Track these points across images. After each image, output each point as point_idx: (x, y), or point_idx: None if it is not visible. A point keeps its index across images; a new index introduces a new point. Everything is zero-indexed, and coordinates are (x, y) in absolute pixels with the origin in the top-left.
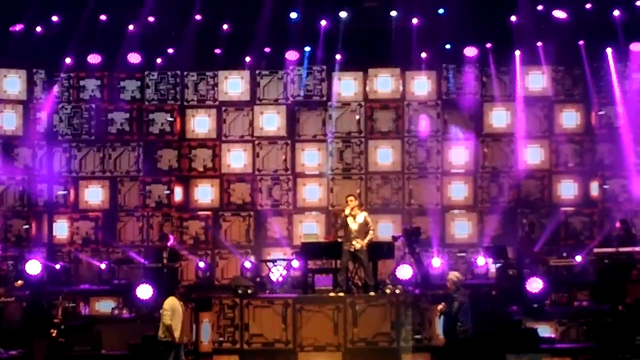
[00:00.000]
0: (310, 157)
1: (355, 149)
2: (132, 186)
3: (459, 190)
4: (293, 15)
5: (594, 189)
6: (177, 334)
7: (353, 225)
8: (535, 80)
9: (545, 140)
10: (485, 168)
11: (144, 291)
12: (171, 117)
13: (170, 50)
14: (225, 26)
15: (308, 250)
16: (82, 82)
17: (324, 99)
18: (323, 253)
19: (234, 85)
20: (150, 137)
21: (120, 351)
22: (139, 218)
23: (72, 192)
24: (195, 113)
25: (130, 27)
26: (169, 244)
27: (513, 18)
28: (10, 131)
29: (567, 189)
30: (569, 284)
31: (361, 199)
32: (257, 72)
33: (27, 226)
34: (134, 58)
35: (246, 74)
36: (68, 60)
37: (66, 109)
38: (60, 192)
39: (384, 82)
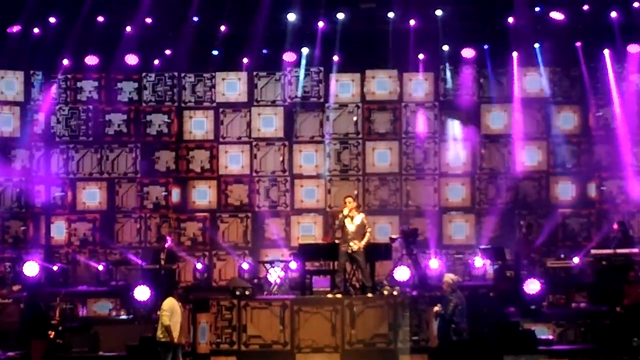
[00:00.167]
0: (308, 159)
1: (352, 151)
2: (130, 187)
3: (456, 192)
4: (290, 16)
5: (592, 190)
6: (175, 334)
7: (351, 226)
8: (533, 82)
9: (543, 141)
10: (482, 169)
11: (142, 292)
12: (168, 118)
13: (167, 52)
14: (222, 27)
15: (306, 252)
16: (79, 84)
17: (322, 100)
18: (321, 254)
19: (231, 86)
20: (148, 138)
21: (118, 352)
22: (136, 219)
23: (69, 193)
24: (192, 114)
25: (128, 28)
26: (166, 245)
27: (510, 19)
28: (8, 133)
29: (564, 191)
30: (566, 285)
31: (359, 200)
32: (255, 73)
33: (24, 227)
34: (132, 59)
35: (244, 75)
36: (65, 61)
37: (63, 110)
38: (58, 194)
39: (382, 84)
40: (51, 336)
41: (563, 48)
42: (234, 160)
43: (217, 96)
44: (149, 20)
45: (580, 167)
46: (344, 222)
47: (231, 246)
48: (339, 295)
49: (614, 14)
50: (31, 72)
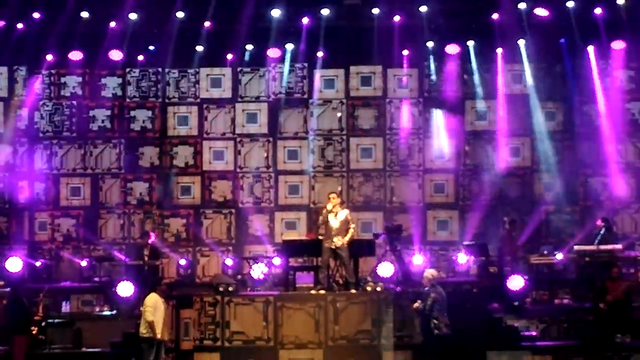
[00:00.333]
0: (292, 155)
1: (336, 147)
2: (114, 183)
3: (440, 188)
4: (275, 12)
5: (575, 187)
6: (158, 330)
7: (334, 222)
8: (517, 78)
9: (527, 137)
10: (466, 166)
11: (125, 288)
12: (152, 114)
13: (151, 47)
14: (206, 23)
15: (289, 248)
16: (63, 79)
17: (306, 96)
18: (304, 250)
19: (215, 82)
20: (132, 134)
21: (101, 348)
22: (120, 215)
23: (53, 189)
24: (176, 110)
25: (112, 24)
26: (150, 241)
27: (495, 16)
28: None
29: (548, 187)
30: (550, 281)
31: (343, 196)
32: (239, 69)
33: (7, 223)
34: (116, 55)
35: (228, 71)
36: (49, 57)
37: (47, 106)
38: (41, 190)
39: (366, 80)
40: (34, 332)
41: (547, 44)
42: (218, 156)
43: (201, 92)
44: (133, 15)
45: (564, 164)
46: (327, 218)
47: (215, 242)
48: (322, 292)
49: (598, 11)
50: (14, 67)
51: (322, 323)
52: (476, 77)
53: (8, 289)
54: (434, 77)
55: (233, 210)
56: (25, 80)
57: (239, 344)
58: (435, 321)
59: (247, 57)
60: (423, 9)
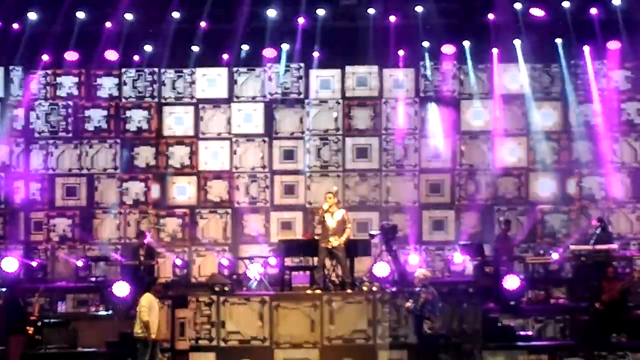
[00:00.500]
0: (288, 155)
1: (332, 147)
2: (109, 183)
3: (436, 188)
4: (271, 12)
5: (571, 186)
6: (153, 330)
7: (331, 222)
8: (513, 78)
9: (523, 137)
10: (462, 166)
11: (121, 288)
12: (148, 114)
13: (147, 48)
14: (202, 23)
15: (285, 248)
16: (59, 79)
17: (302, 96)
18: (300, 250)
19: (211, 82)
20: (128, 134)
21: (97, 348)
22: (115, 215)
23: (48, 189)
24: (172, 110)
25: (108, 24)
26: (145, 241)
27: (491, 16)
28: None
29: (544, 187)
30: (545, 281)
31: (338, 196)
32: (235, 69)
33: (3, 223)
34: (112, 55)
35: (224, 71)
36: (45, 57)
37: (43, 106)
38: (37, 190)
39: (362, 80)
40: (30, 332)
41: (543, 44)
42: (213, 157)
43: (197, 92)
44: (129, 16)
45: (560, 164)
46: (324, 217)
47: (211, 242)
48: (318, 291)
49: (594, 11)
50: (10, 67)
51: (317, 323)
52: (472, 77)
53: (4, 289)
54: (430, 77)
55: (229, 210)
56: (21, 80)
57: (234, 344)
58: (427, 321)
59: (243, 56)
60: (419, 9)
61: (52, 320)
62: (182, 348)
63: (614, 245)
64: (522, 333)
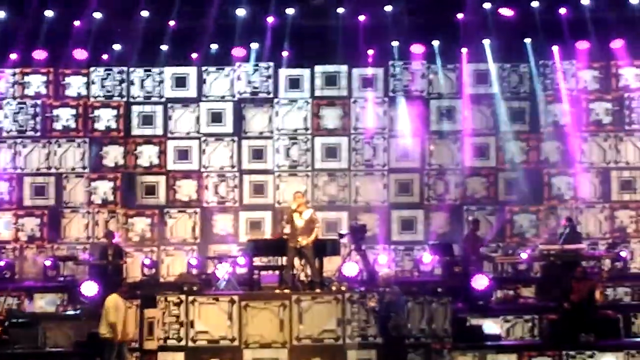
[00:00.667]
0: (257, 154)
1: (301, 146)
2: (78, 183)
3: (405, 188)
4: (240, 11)
5: (540, 186)
6: (118, 331)
7: (299, 221)
8: (482, 78)
9: (492, 137)
10: (431, 165)
11: (89, 288)
12: (117, 113)
13: (116, 46)
14: (171, 22)
15: (254, 247)
16: (27, 78)
17: (271, 95)
18: (269, 250)
19: (180, 81)
20: (96, 133)
21: (64, 348)
22: (84, 215)
23: (16, 188)
24: (141, 109)
25: (76, 22)
26: (114, 241)
27: (460, 15)
28: None
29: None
30: (514, 280)
31: (307, 196)
32: (204, 68)
33: None
34: (80, 54)
35: (193, 70)
36: (13, 55)
37: (11, 105)
38: (5, 189)
39: (331, 79)
40: None
41: (512, 44)
42: (182, 156)
43: (165, 91)
44: (97, 14)
45: (529, 164)
46: (292, 217)
47: (179, 242)
48: (287, 291)
49: (562, 11)
50: None
51: (286, 322)
52: (441, 77)
53: None
54: (399, 76)
55: (198, 210)
56: None
57: (203, 344)
58: (392, 322)
59: (212, 55)
60: (388, 8)
61: (19, 320)
62: (151, 348)
63: (583, 245)
64: (490, 333)
